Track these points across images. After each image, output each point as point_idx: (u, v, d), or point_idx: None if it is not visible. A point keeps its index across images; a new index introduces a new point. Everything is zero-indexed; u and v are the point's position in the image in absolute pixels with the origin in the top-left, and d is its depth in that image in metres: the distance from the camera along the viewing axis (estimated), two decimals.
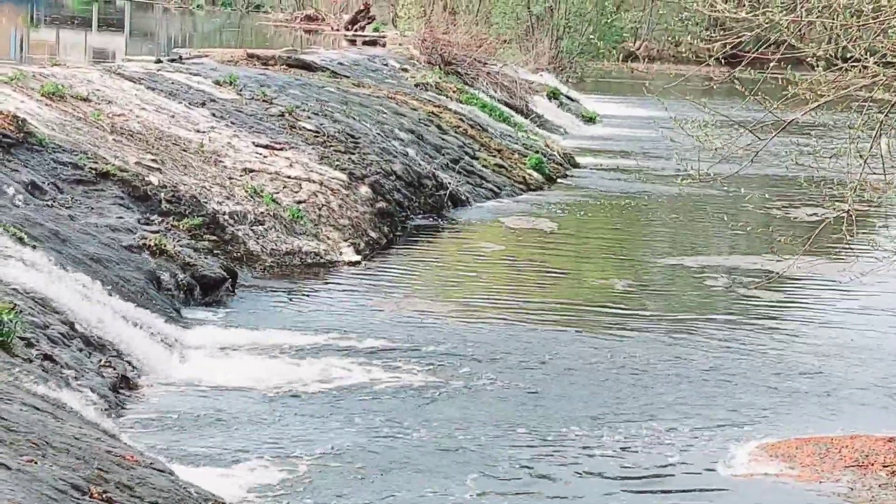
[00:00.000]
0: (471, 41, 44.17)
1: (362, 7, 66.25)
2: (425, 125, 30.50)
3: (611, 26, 59.88)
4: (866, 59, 12.02)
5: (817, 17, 12.11)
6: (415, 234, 23.80)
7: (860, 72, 12.08)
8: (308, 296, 18.19)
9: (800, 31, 12.35)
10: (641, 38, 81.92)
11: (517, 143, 34.03)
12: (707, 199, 28.75)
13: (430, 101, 34.37)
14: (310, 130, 25.38)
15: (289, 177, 22.18)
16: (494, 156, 31.24)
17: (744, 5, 12.12)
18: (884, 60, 12.12)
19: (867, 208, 14.20)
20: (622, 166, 35.18)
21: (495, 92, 41.65)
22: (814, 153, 13.31)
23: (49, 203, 16.75)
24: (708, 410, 14.01)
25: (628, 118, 49.36)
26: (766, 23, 11.87)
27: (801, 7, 12.08)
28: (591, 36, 46.07)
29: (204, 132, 22.84)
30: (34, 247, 14.61)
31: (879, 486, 11.86)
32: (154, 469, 9.51)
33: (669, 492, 11.83)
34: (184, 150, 21.32)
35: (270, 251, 19.41)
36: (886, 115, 12.64)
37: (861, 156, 12.65)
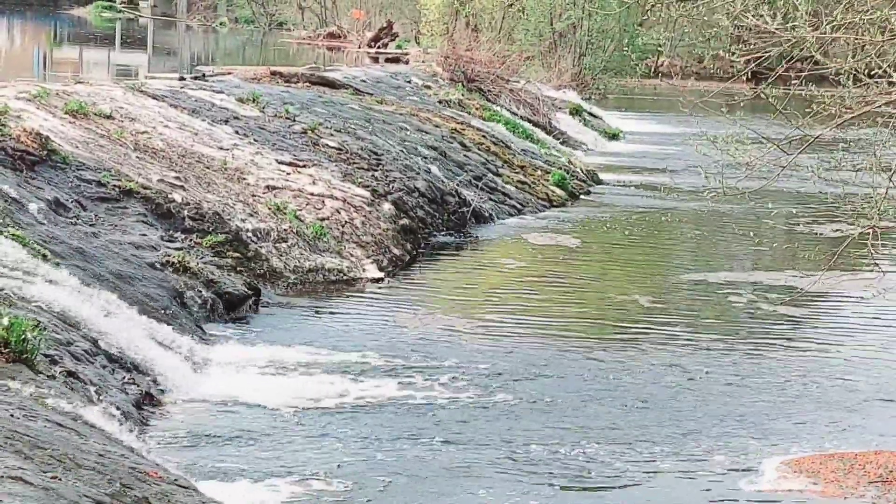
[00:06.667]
0: (494, 58, 44.21)
1: (385, 24, 66.49)
2: (448, 142, 30.49)
3: (634, 43, 59.85)
4: (892, 75, 11.98)
5: (843, 34, 12.06)
6: (438, 251, 23.78)
7: (886, 87, 12.04)
8: (331, 313, 18.17)
9: (825, 46, 12.31)
10: (665, 54, 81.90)
11: (540, 160, 34.02)
12: (730, 215, 28.68)
13: (452, 118, 34.37)
14: (333, 147, 25.39)
15: (312, 194, 22.18)
16: (517, 172, 31.23)
17: (766, 21, 12.06)
18: None
19: (892, 224, 14.11)
20: (645, 183, 35.12)
21: (518, 109, 41.66)
22: (839, 169, 13.27)
23: (72, 220, 16.78)
24: (732, 426, 13.94)
25: (651, 135, 49.30)
26: (792, 38, 11.83)
27: (827, 24, 12.03)
28: (625, 48, 45.99)
29: (227, 149, 22.87)
30: (57, 264, 14.63)
31: None
32: (178, 486, 9.48)
33: None
34: (207, 168, 21.35)
35: (293, 268, 19.42)
36: None
37: (887, 171, 12.60)
